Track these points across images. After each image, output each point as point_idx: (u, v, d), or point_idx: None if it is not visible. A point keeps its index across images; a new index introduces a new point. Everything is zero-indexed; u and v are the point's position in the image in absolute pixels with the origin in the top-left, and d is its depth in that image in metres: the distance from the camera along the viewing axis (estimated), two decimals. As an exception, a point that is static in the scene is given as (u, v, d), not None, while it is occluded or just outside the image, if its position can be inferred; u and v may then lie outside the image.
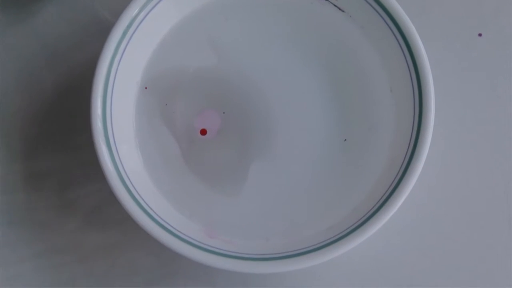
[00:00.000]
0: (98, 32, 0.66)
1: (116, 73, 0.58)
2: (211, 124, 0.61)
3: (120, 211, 0.57)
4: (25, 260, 0.63)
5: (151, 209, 0.56)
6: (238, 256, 0.55)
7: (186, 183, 0.60)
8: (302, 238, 0.57)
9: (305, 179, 0.60)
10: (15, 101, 0.65)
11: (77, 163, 0.64)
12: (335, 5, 0.61)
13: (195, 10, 0.62)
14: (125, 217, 0.55)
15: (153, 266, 0.62)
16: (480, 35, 0.65)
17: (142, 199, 0.56)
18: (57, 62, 0.66)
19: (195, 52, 0.62)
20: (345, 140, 0.60)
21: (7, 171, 0.64)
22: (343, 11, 0.61)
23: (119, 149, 0.57)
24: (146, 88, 0.61)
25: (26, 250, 0.63)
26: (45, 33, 0.66)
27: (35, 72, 0.65)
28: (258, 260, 0.54)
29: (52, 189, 0.64)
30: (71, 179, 0.64)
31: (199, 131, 0.61)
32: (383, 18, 0.59)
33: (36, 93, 0.65)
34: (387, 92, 0.60)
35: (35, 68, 0.65)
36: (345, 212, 0.58)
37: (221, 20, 0.62)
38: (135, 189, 0.56)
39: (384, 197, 0.56)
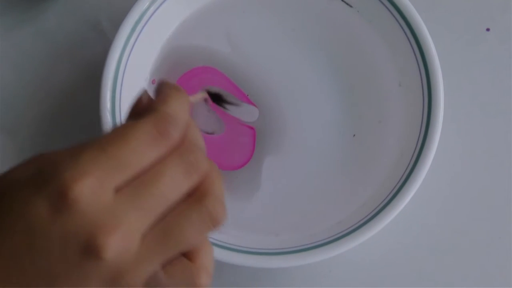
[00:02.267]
0: (105, 30, 0.66)
1: (125, 69, 0.59)
2: None
3: None
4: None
5: None
6: (247, 251, 0.55)
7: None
8: (311, 233, 0.57)
9: (315, 175, 0.60)
10: (24, 100, 0.66)
11: None
12: (343, 0, 0.62)
13: (207, 5, 0.63)
14: None
15: None
16: (488, 29, 0.65)
17: None
18: (64, 60, 0.66)
19: (209, 42, 0.63)
20: (354, 135, 0.61)
21: None
22: (351, 6, 0.62)
23: None
24: (153, 81, 0.61)
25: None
26: (51, 32, 0.67)
27: (42, 71, 0.66)
28: (267, 254, 0.55)
29: None
30: None
31: None
32: (391, 12, 0.59)
33: (43, 92, 0.66)
34: (396, 86, 0.61)
35: (42, 67, 0.66)
36: (354, 206, 0.58)
37: (239, 12, 0.63)
38: None
39: (394, 191, 0.56)
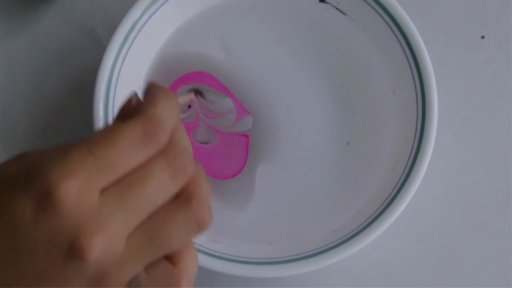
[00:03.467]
0: (99, 37, 0.66)
1: (118, 76, 0.59)
2: None
3: None
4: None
5: None
6: (241, 260, 0.55)
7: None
8: (306, 242, 0.57)
9: (309, 183, 0.60)
10: (17, 107, 0.66)
11: None
12: (337, 8, 0.62)
13: (201, 12, 0.63)
14: None
15: None
16: (483, 37, 0.65)
17: None
18: (60, 66, 0.67)
19: (203, 48, 0.63)
20: (348, 143, 0.61)
21: None
22: (344, 14, 0.62)
23: None
24: None
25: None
26: (46, 39, 0.67)
27: (36, 78, 0.66)
28: (261, 264, 0.55)
29: None
30: None
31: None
32: (384, 20, 0.60)
33: (37, 99, 0.66)
34: (390, 94, 0.61)
35: (36, 74, 0.66)
36: (349, 215, 0.58)
37: (233, 19, 0.63)
38: None
39: (388, 199, 0.56)
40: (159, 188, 0.35)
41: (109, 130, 0.35)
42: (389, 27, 0.59)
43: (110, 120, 0.57)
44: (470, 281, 0.61)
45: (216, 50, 0.63)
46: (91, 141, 0.34)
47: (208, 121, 0.61)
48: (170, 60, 0.63)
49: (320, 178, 0.60)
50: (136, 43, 0.60)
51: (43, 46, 0.67)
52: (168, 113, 0.36)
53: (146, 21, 0.60)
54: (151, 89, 0.38)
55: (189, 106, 0.61)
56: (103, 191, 0.34)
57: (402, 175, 0.56)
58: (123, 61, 0.59)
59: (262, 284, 0.60)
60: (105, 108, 0.58)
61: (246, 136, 0.61)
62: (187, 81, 0.62)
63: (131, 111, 0.37)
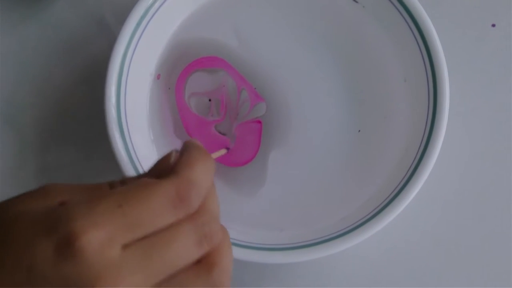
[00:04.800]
0: (110, 25, 0.66)
1: (130, 64, 0.59)
2: None
3: None
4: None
5: None
6: (252, 246, 0.56)
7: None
8: (315, 229, 0.58)
9: (319, 170, 0.61)
10: (28, 95, 0.66)
11: (89, 156, 0.65)
12: None
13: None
14: None
15: None
16: (493, 25, 0.65)
17: None
18: (69, 55, 0.67)
19: (216, 35, 0.63)
20: (359, 131, 0.61)
21: (19, 164, 0.65)
22: (356, 1, 0.62)
23: (133, 138, 0.58)
24: (159, 76, 0.62)
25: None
26: (56, 28, 0.67)
27: (47, 66, 0.67)
28: (272, 250, 0.56)
29: (64, 182, 0.64)
30: (83, 172, 0.65)
31: None
32: (396, 8, 0.60)
33: (48, 87, 0.66)
34: (401, 82, 0.61)
35: (47, 62, 0.67)
36: (358, 203, 0.59)
37: (245, 6, 0.64)
38: None
39: (398, 188, 0.57)
40: (183, 252, 0.35)
41: (142, 186, 0.35)
42: (401, 14, 0.59)
43: (122, 107, 0.58)
44: (476, 269, 0.61)
45: (229, 37, 0.63)
46: (122, 196, 0.34)
47: (230, 114, 0.62)
48: (183, 46, 0.63)
49: (331, 165, 0.61)
50: (148, 30, 0.60)
51: (53, 34, 0.67)
52: (204, 178, 0.36)
53: (159, 7, 0.60)
54: (189, 149, 0.38)
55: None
56: (126, 246, 0.34)
57: (412, 163, 0.57)
58: (135, 48, 0.59)
59: (273, 270, 0.60)
60: (117, 95, 0.58)
61: (260, 122, 0.61)
62: (200, 65, 0.63)
63: (167, 168, 0.37)
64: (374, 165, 0.60)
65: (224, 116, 0.62)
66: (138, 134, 0.59)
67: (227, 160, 0.61)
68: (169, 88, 0.62)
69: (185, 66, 0.63)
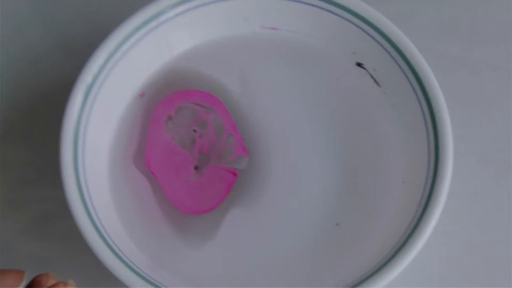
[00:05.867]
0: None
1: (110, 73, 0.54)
2: None
3: (70, 228, 0.51)
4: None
5: (107, 233, 0.51)
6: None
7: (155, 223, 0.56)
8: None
9: (279, 250, 0.55)
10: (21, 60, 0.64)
11: (41, 164, 0.60)
12: (372, 77, 0.57)
13: (228, 37, 0.60)
14: (73, 236, 0.50)
15: None
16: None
17: (101, 223, 0.51)
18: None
19: (218, 74, 0.60)
20: (337, 224, 0.55)
21: None
22: (379, 85, 0.57)
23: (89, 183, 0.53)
24: (142, 94, 0.58)
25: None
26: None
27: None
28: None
29: (5, 182, 0.60)
30: (29, 178, 0.60)
31: None
32: (421, 105, 0.54)
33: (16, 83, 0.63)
34: (399, 183, 0.55)
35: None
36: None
37: (261, 57, 0.60)
38: (95, 211, 0.51)
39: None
40: None
41: None
42: (423, 113, 0.54)
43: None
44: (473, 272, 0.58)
45: (232, 79, 0.59)
46: None
47: (213, 150, 0.58)
48: (177, 73, 0.59)
49: (296, 249, 0.55)
50: (141, 46, 0.56)
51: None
52: None
53: (157, 26, 0.56)
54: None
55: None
56: None
57: (385, 262, 0.50)
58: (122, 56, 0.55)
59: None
60: (85, 95, 0.53)
61: (235, 174, 0.57)
62: (190, 98, 0.58)
63: None
64: (344, 262, 0.54)
65: (207, 151, 0.58)
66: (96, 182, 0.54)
67: (184, 205, 0.56)
68: (148, 110, 0.58)
69: (174, 92, 0.58)
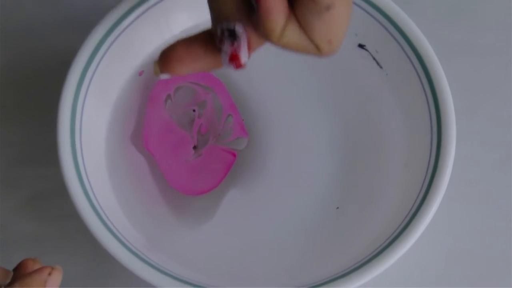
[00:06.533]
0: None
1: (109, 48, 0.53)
2: None
3: (66, 207, 0.50)
4: None
5: (104, 213, 0.50)
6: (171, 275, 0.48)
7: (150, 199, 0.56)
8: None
9: (276, 233, 0.55)
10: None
11: (38, 142, 0.60)
12: (374, 58, 0.56)
13: None
14: (69, 215, 0.50)
15: (79, 276, 0.56)
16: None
17: (98, 202, 0.50)
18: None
19: None
20: (337, 208, 0.55)
21: None
22: (381, 67, 0.56)
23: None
24: (141, 72, 0.56)
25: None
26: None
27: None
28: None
29: (1, 160, 0.59)
30: (26, 156, 0.60)
31: None
32: (423, 87, 0.54)
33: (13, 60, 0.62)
34: (400, 166, 0.55)
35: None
36: (309, 280, 0.50)
37: None
38: (92, 190, 0.50)
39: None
40: None
41: None
42: (425, 95, 0.53)
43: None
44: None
45: None
46: None
47: (212, 131, 0.58)
48: None
49: (294, 232, 0.55)
50: (139, 23, 0.54)
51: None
52: None
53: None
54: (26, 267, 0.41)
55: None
56: None
57: (386, 246, 0.49)
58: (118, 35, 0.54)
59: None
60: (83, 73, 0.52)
61: (234, 155, 0.57)
62: (199, 78, 0.57)
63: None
64: (346, 244, 0.53)
65: (206, 131, 0.57)
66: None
67: (182, 186, 0.55)
68: (147, 88, 0.57)
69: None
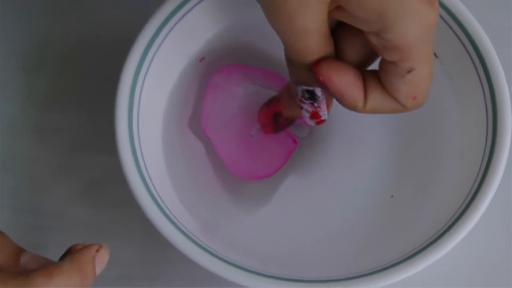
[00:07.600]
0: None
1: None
2: None
3: (121, 194, 0.52)
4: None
5: (161, 199, 0.50)
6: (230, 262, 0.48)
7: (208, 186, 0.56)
8: (299, 276, 0.50)
9: (333, 219, 0.56)
10: (52, 48, 0.63)
11: (94, 129, 0.60)
12: None
13: None
14: (125, 202, 0.51)
15: (134, 263, 0.57)
16: None
17: (155, 188, 0.50)
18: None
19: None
20: (392, 196, 0.56)
21: (20, 114, 0.61)
22: (436, 56, 0.55)
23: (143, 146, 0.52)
24: (201, 59, 0.57)
25: (8, 201, 0.59)
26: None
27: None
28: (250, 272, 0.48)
29: (58, 146, 0.60)
30: (82, 143, 0.60)
31: None
32: (479, 78, 0.53)
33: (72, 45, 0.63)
34: (456, 155, 0.54)
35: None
36: (368, 267, 0.50)
37: None
38: (149, 177, 0.51)
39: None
40: None
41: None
42: (482, 86, 0.53)
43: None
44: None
45: None
46: None
47: None
48: (245, 43, 0.58)
49: (349, 219, 0.56)
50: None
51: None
52: None
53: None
54: (69, 258, 0.40)
55: None
56: None
57: (441, 234, 0.49)
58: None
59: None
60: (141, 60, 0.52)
61: (296, 142, 0.57)
62: (263, 78, 0.58)
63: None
64: (401, 232, 0.53)
65: None
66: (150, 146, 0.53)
67: (240, 170, 0.56)
68: (205, 74, 0.57)
69: (237, 63, 0.58)
